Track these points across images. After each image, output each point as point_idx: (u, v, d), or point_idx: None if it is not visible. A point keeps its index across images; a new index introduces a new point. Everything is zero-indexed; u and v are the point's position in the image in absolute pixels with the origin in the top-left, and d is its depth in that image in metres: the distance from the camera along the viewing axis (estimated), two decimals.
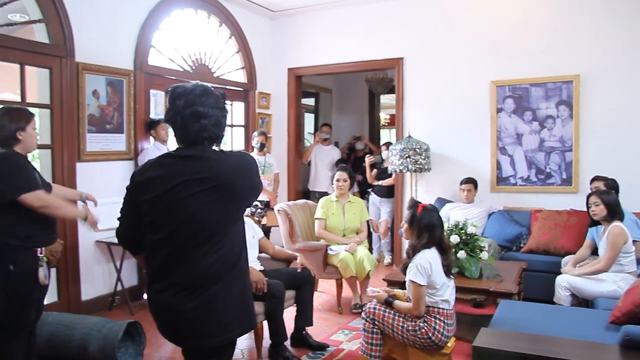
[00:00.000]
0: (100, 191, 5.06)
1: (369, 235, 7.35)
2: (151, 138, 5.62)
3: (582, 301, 4.28)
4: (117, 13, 5.27)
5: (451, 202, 6.13)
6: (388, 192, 7.07)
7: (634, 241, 4.22)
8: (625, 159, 5.59)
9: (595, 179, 5.09)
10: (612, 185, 4.85)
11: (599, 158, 5.73)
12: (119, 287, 5.17)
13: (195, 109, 2.10)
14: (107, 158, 5.21)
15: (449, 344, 3.33)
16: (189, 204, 2.04)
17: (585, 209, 5.12)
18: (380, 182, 7.06)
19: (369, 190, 7.45)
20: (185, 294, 2.06)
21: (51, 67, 4.71)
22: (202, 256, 2.05)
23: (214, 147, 2.20)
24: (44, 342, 3.66)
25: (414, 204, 3.47)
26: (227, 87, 6.86)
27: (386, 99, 10.71)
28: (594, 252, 4.65)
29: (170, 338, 2.19)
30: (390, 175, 6.84)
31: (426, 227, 3.33)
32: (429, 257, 3.24)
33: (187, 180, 2.04)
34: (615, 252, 4.05)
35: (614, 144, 5.68)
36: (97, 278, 5.15)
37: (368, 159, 7.22)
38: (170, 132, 4.98)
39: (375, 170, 7.15)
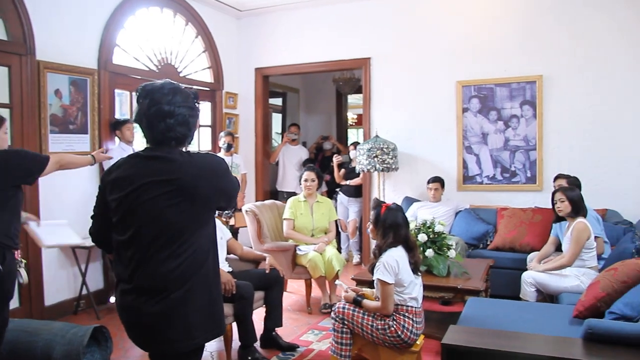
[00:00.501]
0: (63, 193, 5.00)
1: (338, 235, 7.36)
2: (116, 139, 5.51)
3: (547, 297, 4.35)
4: (80, 10, 5.16)
5: (419, 201, 6.19)
6: (356, 192, 7.10)
7: (595, 237, 4.31)
8: (586, 157, 5.72)
9: (558, 177, 5.19)
10: (574, 183, 4.94)
11: (561, 156, 5.85)
12: (85, 291, 5.06)
13: (160, 107, 2.05)
14: None
15: (418, 342, 3.35)
16: (152, 206, 2.01)
17: (549, 206, 5.24)
18: (348, 182, 7.08)
19: (337, 190, 7.46)
20: (149, 297, 2.02)
21: (10, 65, 4.58)
22: (165, 259, 2.01)
23: (183, 148, 2.15)
24: (5, 350, 3.54)
25: (378, 204, 3.48)
26: (194, 86, 6.77)
27: (354, 99, 10.75)
28: (558, 248, 4.74)
29: (136, 341, 2.15)
30: (358, 175, 6.86)
31: (391, 226, 3.35)
32: (396, 256, 3.25)
33: (150, 182, 2.01)
34: (579, 247, 4.13)
35: (575, 143, 5.80)
36: (61, 282, 5.03)
37: (336, 159, 7.24)
38: (137, 133, 4.91)
39: (343, 170, 7.17)
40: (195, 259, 2.06)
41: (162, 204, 2.00)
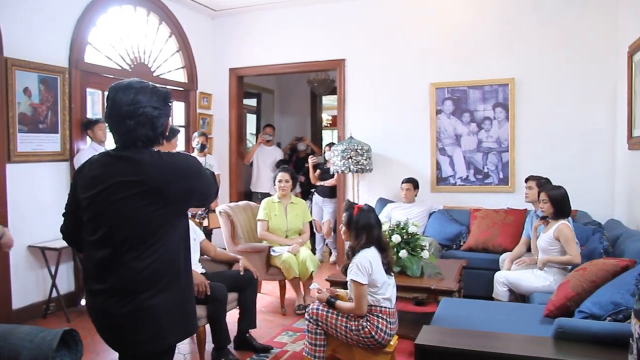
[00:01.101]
0: (33, 194, 4.91)
1: (312, 235, 7.37)
2: (88, 138, 5.42)
3: (519, 296, 4.40)
4: (50, 7, 5.07)
5: (393, 202, 6.21)
6: (331, 193, 7.11)
7: None
8: (556, 158, 5.81)
9: (529, 178, 5.24)
10: (545, 184, 5.00)
11: (533, 158, 5.93)
12: (54, 294, 4.96)
13: (121, 109, 2.03)
14: (40, 159, 4.99)
15: (391, 342, 3.36)
16: (122, 206, 1.98)
17: (521, 207, 5.35)
18: (323, 183, 7.09)
19: (312, 190, 7.46)
20: (119, 299, 2.00)
21: None
22: (135, 259, 1.98)
23: (155, 148, 2.13)
24: None
25: (350, 205, 3.49)
26: (168, 86, 6.70)
27: (328, 100, 10.76)
28: (529, 249, 4.80)
29: (108, 342, 2.13)
30: (332, 176, 6.87)
31: (363, 227, 3.36)
32: (369, 256, 3.26)
33: (119, 182, 1.99)
34: (574, 242, 4.10)
35: (546, 145, 5.90)
36: (29, 285, 4.92)
37: (311, 160, 7.24)
38: (109, 133, 4.86)
39: (318, 171, 7.17)
40: (166, 260, 2.04)
41: (132, 204, 1.98)
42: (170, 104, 2.18)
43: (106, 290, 2.01)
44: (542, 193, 4.36)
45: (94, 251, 2.04)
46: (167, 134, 2.21)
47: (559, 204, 4.24)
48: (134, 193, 1.98)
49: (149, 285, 2.00)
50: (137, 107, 2.02)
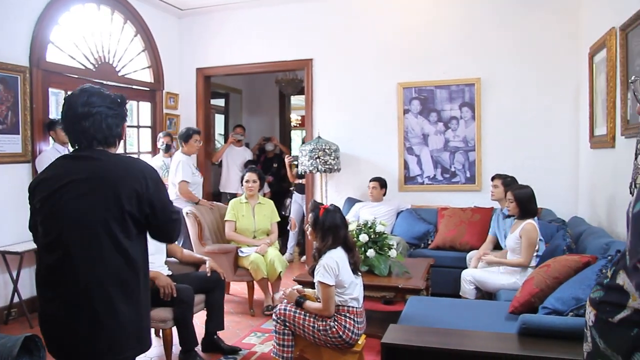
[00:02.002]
0: None
1: (285, 234, 7.37)
2: (50, 139, 5.30)
3: (485, 294, 4.44)
4: (8, 5, 4.93)
5: (361, 201, 6.23)
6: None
7: None
8: (521, 157, 5.90)
9: (495, 177, 5.31)
10: (510, 183, 5.07)
11: (499, 157, 6.02)
12: (16, 299, 4.83)
13: (77, 110, 2.06)
14: (0, 161, 4.86)
15: (359, 342, 3.37)
16: (74, 206, 1.97)
17: (488, 206, 5.41)
18: (301, 181, 7.09)
19: (291, 189, 7.47)
20: (72, 305, 1.96)
21: None
22: (85, 265, 1.96)
23: (113, 149, 2.15)
24: None
25: (316, 206, 3.48)
26: (133, 86, 6.62)
27: (297, 100, 10.75)
28: (496, 246, 4.86)
29: (58, 355, 2.07)
30: None
31: (329, 229, 3.35)
32: (336, 257, 3.26)
33: (72, 182, 1.99)
34: (532, 248, 4.18)
35: (511, 144, 5.99)
36: None
37: (287, 159, 7.24)
38: None
39: (295, 169, 7.17)
40: (123, 270, 2.01)
41: (83, 204, 1.97)
42: (125, 107, 2.20)
43: (59, 296, 1.98)
44: (509, 192, 4.42)
45: (45, 255, 2.01)
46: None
47: (525, 204, 4.30)
48: (85, 193, 1.97)
49: (103, 294, 1.96)
50: (92, 108, 2.06)
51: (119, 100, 2.17)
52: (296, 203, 7.32)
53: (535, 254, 4.24)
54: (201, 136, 6.04)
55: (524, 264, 4.21)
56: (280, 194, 7.95)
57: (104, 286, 1.97)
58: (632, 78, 1.92)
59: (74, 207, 1.97)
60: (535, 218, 4.40)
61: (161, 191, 2.14)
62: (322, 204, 3.51)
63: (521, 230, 4.24)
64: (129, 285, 2.03)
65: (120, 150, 2.21)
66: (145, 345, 2.17)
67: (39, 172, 4.92)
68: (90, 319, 1.96)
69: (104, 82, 5.98)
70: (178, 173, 5.65)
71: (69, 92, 2.14)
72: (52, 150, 5.12)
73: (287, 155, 7.40)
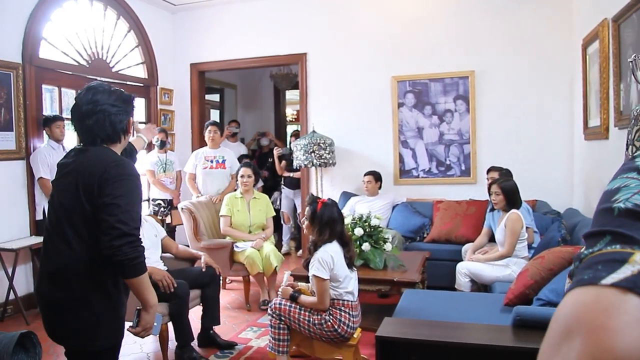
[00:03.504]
0: None
1: (280, 228, 7.37)
2: (45, 136, 5.28)
3: (480, 286, 4.46)
4: (0, 1, 4.91)
5: (356, 195, 6.22)
6: (300, 184, 7.10)
7: (526, 227, 4.44)
8: (516, 150, 5.91)
9: (490, 169, 5.33)
10: (506, 175, 5.08)
11: (493, 149, 6.02)
12: (12, 296, 4.83)
13: (81, 108, 2.14)
14: None
15: (355, 335, 3.37)
16: (57, 195, 2.15)
17: (483, 198, 5.41)
18: (291, 174, 7.08)
19: (281, 183, 7.45)
20: (52, 283, 2.10)
21: None
22: (54, 248, 2.09)
23: (117, 145, 2.23)
24: None
25: (313, 200, 3.47)
26: (127, 82, 6.59)
27: (292, 95, 10.71)
28: (491, 239, 4.86)
29: (48, 333, 2.20)
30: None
31: (327, 223, 3.34)
32: (331, 251, 3.25)
33: (66, 172, 2.14)
34: (515, 237, 4.22)
35: (506, 136, 5.99)
36: None
37: (276, 151, 7.24)
38: (68, 131, 4.81)
39: (284, 162, 7.16)
40: (84, 257, 2.06)
41: (62, 194, 2.11)
42: (132, 103, 2.27)
43: (44, 274, 2.13)
44: (494, 185, 4.47)
45: (45, 234, 2.19)
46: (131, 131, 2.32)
47: (511, 195, 4.36)
48: (66, 183, 2.10)
49: (71, 279, 2.06)
50: (95, 106, 2.12)
51: (125, 97, 2.22)
52: (287, 198, 7.32)
53: (523, 244, 4.28)
54: (214, 127, 6.15)
55: (506, 254, 4.26)
56: (274, 189, 7.93)
57: (71, 272, 2.06)
58: (632, 57, 1.89)
59: (57, 195, 2.13)
60: (528, 209, 4.42)
61: (117, 189, 2.04)
62: (319, 197, 3.50)
63: (506, 221, 4.27)
64: (95, 274, 2.08)
65: None
66: (113, 338, 2.20)
67: (33, 168, 4.95)
68: (60, 300, 2.07)
69: (98, 78, 5.96)
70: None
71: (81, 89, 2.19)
72: (47, 147, 5.10)
73: (276, 148, 7.40)
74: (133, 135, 2.41)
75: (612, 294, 0.50)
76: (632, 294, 0.49)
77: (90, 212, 2.04)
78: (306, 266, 3.38)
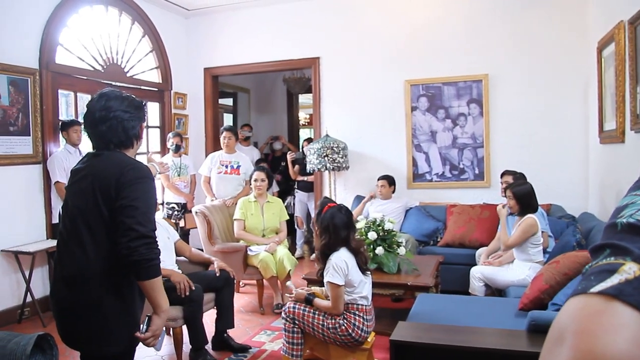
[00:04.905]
0: (5, 197, 4.83)
1: (293, 232, 7.38)
2: (63, 140, 5.32)
3: (495, 291, 4.44)
4: (18, 8, 4.97)
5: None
6: (313, 187, 7.11)
7: (541, 232, 4.41)
8: (530, 153, 5.88)
9: (504, 173, 5.30)
10: (520, 179, 5.05)
11: (507, 153, 5.99)
12: (29, 299, 4.88)
13: (94, 114, 2.18)
14: (12, 162, 4.90)
15: (369, 339, 3.37)
16: (71, 198, 2.17)
17: (497, 202, 5.37)
18: (304, 178, 7.10)
19: (295, 187, 7.47)
20: (64, 289, 2.11)
21: None
22: (70, 251, 2.10)
23: (130, 150, 2.26)
24: None
25: (324, 203, 3.46)
26: (142, 87, 6.66)
27: (305, 99, 10.75)
28: None
29: (60, 335, 2.21)
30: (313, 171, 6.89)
31: (327, 227, 3.31)
32: (344, 257, 3.25)
33: (80, 177, 2.16)
34: (524, 236, 4.16)
35: (520, 140, 5.96)
36: (3, 290, 4.84)
37: (289, 156, 7.27)
38: (84, 135, 4.85)
39: (297, 166, 7.17)
40: (100, 260, 2.08)
41: (77, 197, 2.13)
42: (143, 109, 2.30)
43: (60, 279, 2.13)
44: (508, 190, 4.41)
45: (59, 238, 2.20)
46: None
47: (525, 200, 4.29)
48: (81, 187, 2.13)
49: (85, 282, 2.07)
50: (109, 112, 2.15)
51: (137, 104, 2.26)
52: (301, 202, 7.33)
53: (538, 248, 4.25)
54: (229, 132, 6.15)
55: (508, 244, 4.23)
56: (287, 193, 7.96)
57: (86, 277, 2.07)
58: None
59: (72, 199, 2.15)
60: (543, 213, 4.38)
61: (134, 191, 2.07)
62: (332, 201, 3.49)
63: (521, 223, 4.24)
64: (111, 278, 2.10)
65: None
66: (128, 343, 2.20)
67: (50, 172, 5.01)
68: (75, 304, 2.09)
69: (113, 83, 6.03)
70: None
71: (93, 96, 2.24)
72: (63, 152, 5.15)
73: (289, 152, 7.42)
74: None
75: (598, 301, 0.53)
76: (617, 301, 0.51)
77: (107, 215, 2.06)
78: (320, 275, 3.37)
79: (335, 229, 3.29)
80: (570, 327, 0.52)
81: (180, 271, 4.10)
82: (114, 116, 2.15)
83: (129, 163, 2.14)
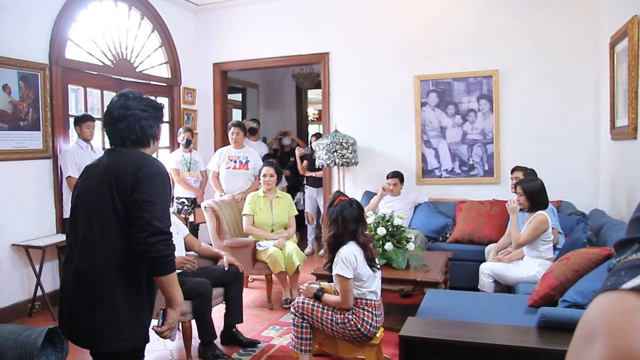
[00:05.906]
0: (16, 192, 4.86)
1: (304, 227, 7.38)
2: (75, 135, 5.33)
3: (504, 287, 4.42)
4: (28, 3, 4.99)
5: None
6: (322, 183, 7.11)
7: (551, 228, 4.39)
8: (541, 149, 5.85)
9: (515, 169, 5.27)
10: (531, 175, 5.02)
11: (518, 149, 5.96)
12: (39, 292, 4.91)
13: (113, 112, 2.22)
14: (22, 157, 4.92)
15: (377, 335, 3.36)
16: (85, 194, 2.17)
17: (506, 199, 5.34)
18: (313, 174, 7.10)
19: (304, 183, 7.47)
20: (75, 285, 2.11)
21: None
22: (83, 246, 2.10)
23: (147, 148, 2.29)
24: None
25: (335, 196, 3.47)
26: (151, 82, 6.67)
27: (314, 94, 10.74)
28: None
29: (62, 331, 2.24)
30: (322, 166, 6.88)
31: (335, 220, 3.32)
32: (353, 250, 3.25)
33: (95, 173, 2.18)
34: (535, 234, 4.15)
35: (530, 136, 5.93)
36: (14, 284, 4.87)
37: (298, 151, 7.27)
38: (97, 131, 4.90)
39: (305, 162, 7.17)
40: (113, 257, 2.09)
41: (92, 193, 2.14)
42: (161, 111, 2.35)
43: (72, 276, 2.12)
44: (518, 187, 4.39)
45: (68, 235, 2.21)
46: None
47: (535, 197, 4.26)
48: (96, 182, 2.13)
49: (96, 279, 2.07)
50: (127, 110, 2.20)
51: (155, 105, 2.31)
52: (310, 198, 7.33)
53: (549, 245, 4.22)
54: (237, 128, 6.13)
55: (519, 242, 4.21)
56: (296, 188, 7.97)
57: (97, 272, 2.08)
58: None
59: (86, 194, 2.15)
60: (553, 210, 4.35)
61: (152, 187, 2.09)
62: (344, 194, 3.49)
63: (531, 220, 4.22)
64: (123, 275, 2.10)
65: None
66: (139, 340, 2.20)
67: (62, 167, 5.03)
68: (86, 301, 2.08)
69: (122, 78, 6.04)
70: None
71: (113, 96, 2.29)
72: (75, 147, 5.17)
73: (298, 148, 7.42)
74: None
75: (631, 298, 0.51)
76: None
77: (121, 211, 2.07)
78: (329, 269, 3.37)
79: (344, 221, 3.29)
80: (602, 326, 0.51)
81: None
82: (132, 114, 2.20)
83: (146, 158, 2.17)
